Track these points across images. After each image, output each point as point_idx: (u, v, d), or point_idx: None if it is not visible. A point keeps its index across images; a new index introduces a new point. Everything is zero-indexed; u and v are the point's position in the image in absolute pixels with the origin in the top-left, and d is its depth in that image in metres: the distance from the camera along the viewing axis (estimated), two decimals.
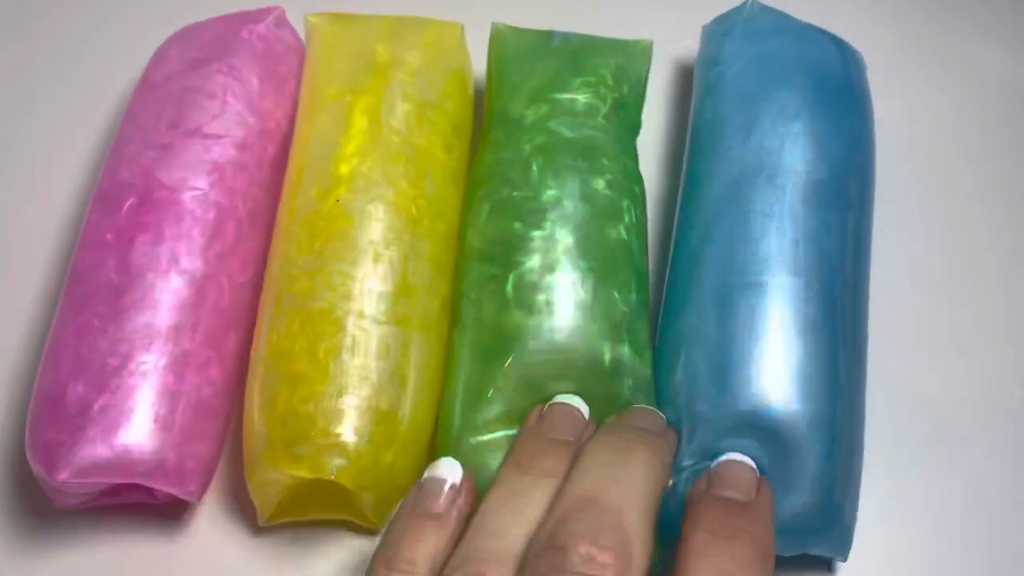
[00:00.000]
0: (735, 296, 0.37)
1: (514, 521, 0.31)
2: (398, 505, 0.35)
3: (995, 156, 0.48)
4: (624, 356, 0.36)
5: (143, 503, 0.37)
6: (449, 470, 0.34)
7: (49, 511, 0.38)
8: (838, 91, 0.41)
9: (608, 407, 0.36)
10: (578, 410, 0.36)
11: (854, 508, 0.36)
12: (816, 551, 0.36)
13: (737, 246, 0.37)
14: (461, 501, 0.33)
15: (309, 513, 0.37)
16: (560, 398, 0.36)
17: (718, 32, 0.44)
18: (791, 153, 0.39)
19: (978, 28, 0.52)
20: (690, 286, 0.38)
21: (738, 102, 0.41)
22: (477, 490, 0.34)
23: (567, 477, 0.32)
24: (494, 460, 0.35)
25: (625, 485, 0.31)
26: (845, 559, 0.36)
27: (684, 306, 0.38)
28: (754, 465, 0.34)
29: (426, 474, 0.34)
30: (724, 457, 0.34)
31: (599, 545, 0.29)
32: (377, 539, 0.38)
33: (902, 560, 0.38)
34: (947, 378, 0.42)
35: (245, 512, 0.38)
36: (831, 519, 0.35)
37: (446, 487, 0.33)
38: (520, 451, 0.34)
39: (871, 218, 0.41)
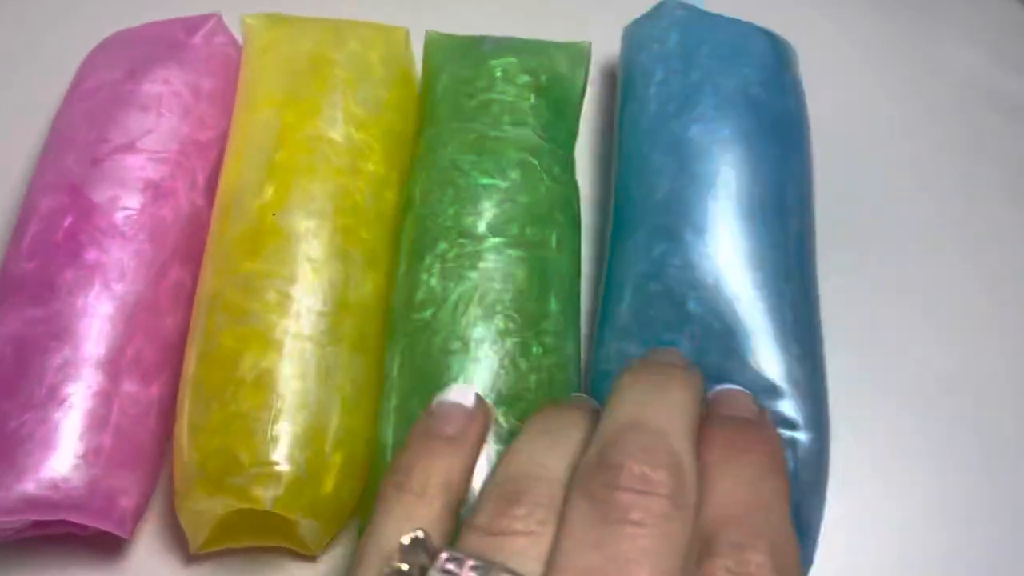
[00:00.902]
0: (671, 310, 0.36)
1: (554, 453, 0.30)
2: (341, 528, 0.34)
3: (950, 153, 0.47)
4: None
5: (73, 534, 0.36)
6: (462, 394, 0.33)
7: None
8: (769, 89, 0.40)
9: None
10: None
11: (819, 511, 0.35)
12: None
13: (671, 262, 0.37)
14: (477, 425, 0.32)
15: (245, 540, 0.36)
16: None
17: (638, 34, 0.43)
18: (723, 161, 0.38)
19: (928, 19, 0.51)
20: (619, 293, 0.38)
21: (661, 109, 0.40)
22: (493, 415, 0.33)
23: (603, 411, 0.31)
24: None
25: (666, 410, 0.30)
26: (810, 564, 0.35)
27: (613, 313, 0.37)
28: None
29: (437, 398, 0.33)
30: (717, 388, 0.34)
31: (653, 464, 0.28)
32: (319, 565, 0.37)
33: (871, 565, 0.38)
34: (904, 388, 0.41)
35: (183, 539, 0.37)
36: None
37: (460, 410, 0.32)
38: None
39: (813, 222, 0.40)
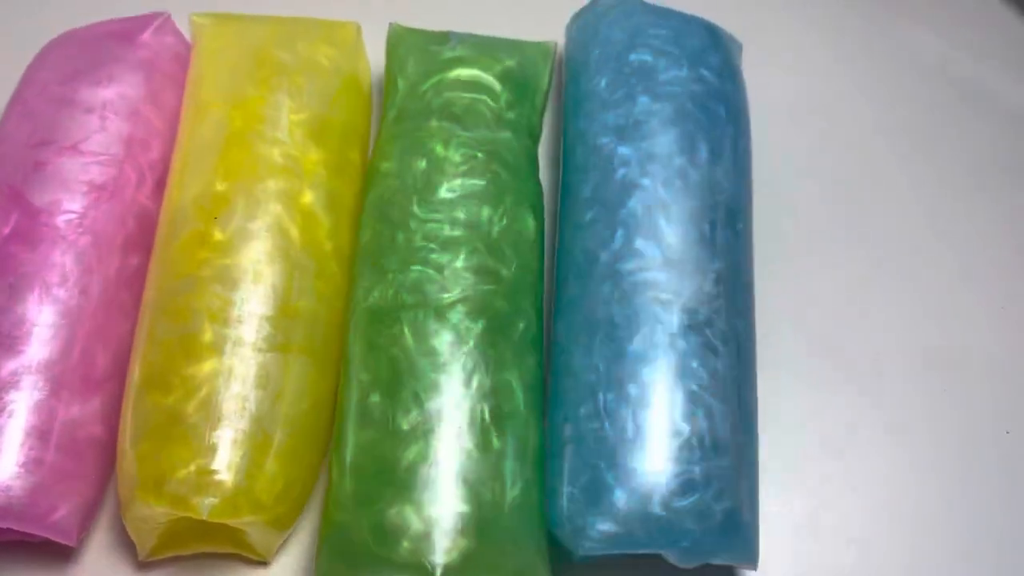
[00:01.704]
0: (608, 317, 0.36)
1: None
2: (290, 533, 0.34)
3: (914, 140, 0.47)
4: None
5: (21, 540, 0.36)
6: None
7: None
8: (711, 84, 0.39)
9: None
10: None
11: (754, 510, 0.35)
12: (720, 560, 0.35)
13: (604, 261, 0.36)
14: None
15: (196, 546, 0.36)
16: None
17: (579, 30, 0.42)
18: (660, 151, 0.38)
19: (891, 5, 0.50)
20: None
21: (602, 104, 0.39)
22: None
23: None
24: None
25: None
26: (755, 566, 0.35)
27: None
28: None
29: None
30: None
31: None
32: (272, 569, 0.37)
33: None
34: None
35: (132, 548, 0.37)
36: (730, 525, 0.34)
37: None
38: None
39: (750, 218, 0.39)
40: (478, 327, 0.36)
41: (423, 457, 0.34)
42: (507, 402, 0.35)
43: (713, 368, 0.35)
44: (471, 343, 0.35)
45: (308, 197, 0.38)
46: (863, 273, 0.43)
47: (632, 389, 0.34)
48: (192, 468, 0.33)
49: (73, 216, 0.37)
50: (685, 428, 0.34)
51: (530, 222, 0.39)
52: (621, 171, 0.38)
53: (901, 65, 0.49)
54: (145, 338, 0.36)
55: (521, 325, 0.37)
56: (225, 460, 0.33)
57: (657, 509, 0.33)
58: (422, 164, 0.39)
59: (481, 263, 0.37)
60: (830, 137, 0.47)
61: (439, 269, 0.36)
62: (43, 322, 0.35)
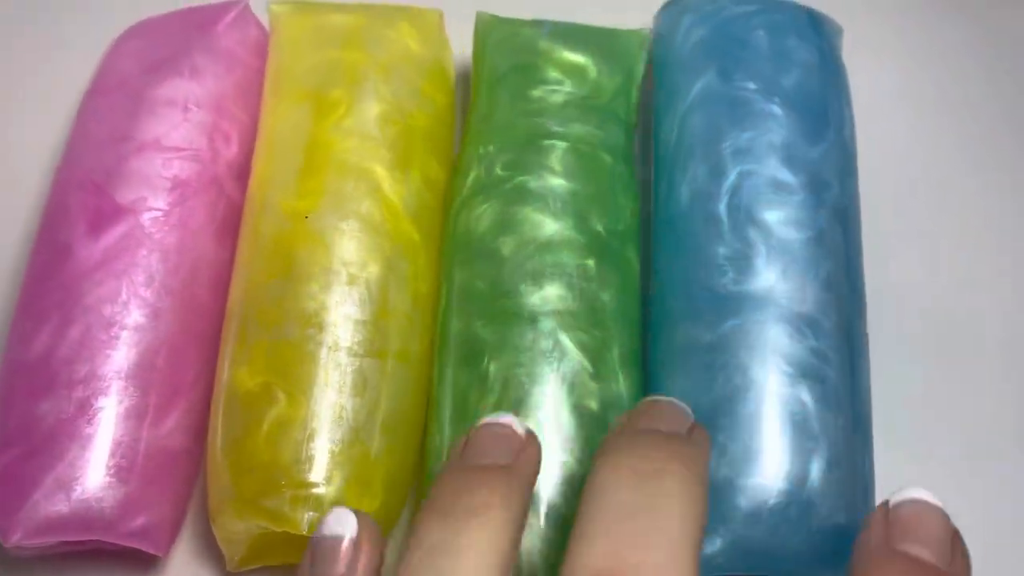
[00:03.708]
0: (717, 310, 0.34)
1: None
2: None
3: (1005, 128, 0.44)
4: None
5: (105, 549, 0.35)
6: (342, 522, 0.27)
7: (10, 557, 0.35)
8: (811, 70, 0.38)
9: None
10: (509, 427, 0.28)
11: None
12: None
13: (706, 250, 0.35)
14: (365, 559, 0.27)
15: (285, 557, 0.35)
16: (487, 418, 0.29)
17: (669, 17, 0.40)
18: (765, 138, 0.36)
19: None
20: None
21: (703, 97, 0.38)
22: (382, 538, 0.28)
23: (574, 522, 0.26)
24: None
25: (659, 541, 0.24)
26: None
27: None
28: (948, 514, 0.27)
29: (317, 532, 0.28)
30: (908, 496, 0.26)
31: None
32: None
33: None
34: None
35: (219, 554, 0.36)
36: (844, 543, 0.32)
37: (343, 544, 0.27)
38: (439, 492, 0.27)
39: (859, 213, 0.38)
40: (577, 331, 0.34)
41: None
42: (611, 409, 0.34)
43: (825, 377, 0.33)
44: (572, 346, 0.34)
45: (398, 194, 0.36)
46: (966, 266, 0.42)
47: (739, 405, 0.33)
48: (291, 481, 0.32)
49: (159, 214, 0.36)
50: (795, 440, 0.32)
51: (628, 215, 0.37)
52: (725, 162, 0.36)
53: (1003, 53, 0.46)
54: (234, 343, 0.34)
55: (622, 327, 0.35)
56: (323, 473, 0.32)
57: (768, 529, 0.32)
58: (515, 156, 0.37)
59: (581, 263, 0.35)
60: (929, 125, 0.44)
61: (536, 268, 0.35)
62: (130, 325, 0.34)
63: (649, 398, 0.30)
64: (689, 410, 0.29)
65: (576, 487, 0.32)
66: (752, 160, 0.36)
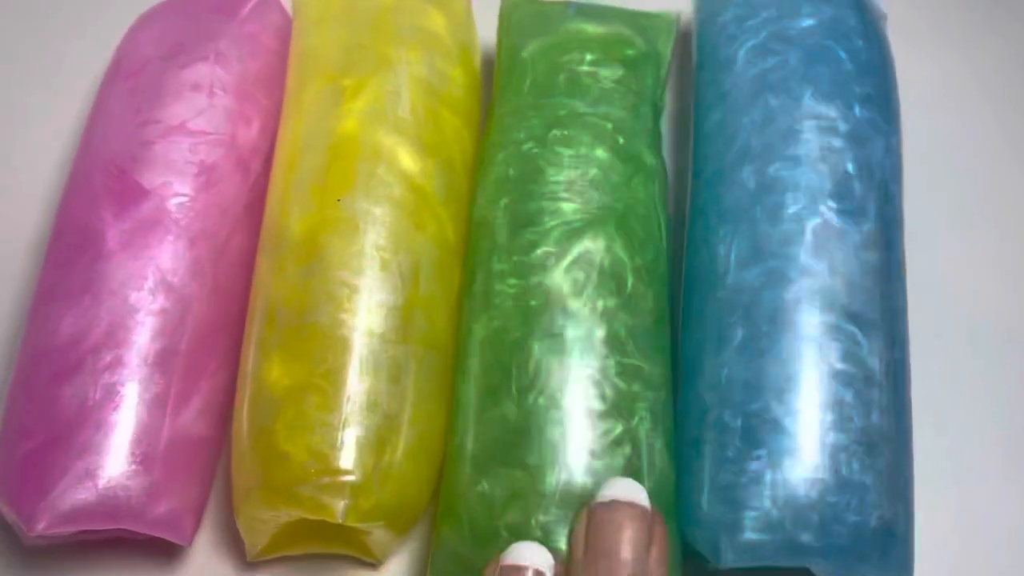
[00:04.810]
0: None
1: None
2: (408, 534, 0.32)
3: None
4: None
5: (126, 537, 0.34)
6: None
7: (28, 547, 0.34)
8: (858, 56, 0.38)
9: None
10: (538, 570, 0.29)
11: (909, 520, 0.33)
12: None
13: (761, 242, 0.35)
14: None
15: (305, 546, 0.34)
16: (513, 551, 0.29)
17: (714, 5, 0.40)
18: (810, 141, 0.36)
19: None
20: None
21: (743, 75, 0.37)
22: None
23: None
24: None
25: None
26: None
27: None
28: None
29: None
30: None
31: None
32: (382, 573, 0.35)
33: None
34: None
35: (239, 543, 0.35)
36: (885, 540, 0.32)
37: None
38: None
39: (902, 202, 0.37)
40: (607, 311, 0.34)
41: (548, 447, 0.32)
42: (639, 400, 0.33)
43: (867, 368, 0.33)
44: (601, 327, 0.34)
45: (429, 177, 0.36)
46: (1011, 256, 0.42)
47: (779, 394, 0.33)
48: (322, 469, 0.31)
49: (184, 199, 0.35)
50: (837, 436, 0.32)
51: (655, 197, 0.37)
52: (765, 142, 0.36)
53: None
54: (261, 328, 0.34)
55: (652, 307, 0.35)
56: (356, 460, 0.31)
57: (806, 519, 0.31)
58: (542, 138, 0.37)
59: (608, 241, 0.35)
60: (973, 113, 0.44)
61: (564, 249, 0.35)
62: (156, 310, 0.33)
63: (606, 495, 0.31)
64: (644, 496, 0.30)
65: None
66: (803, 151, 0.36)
